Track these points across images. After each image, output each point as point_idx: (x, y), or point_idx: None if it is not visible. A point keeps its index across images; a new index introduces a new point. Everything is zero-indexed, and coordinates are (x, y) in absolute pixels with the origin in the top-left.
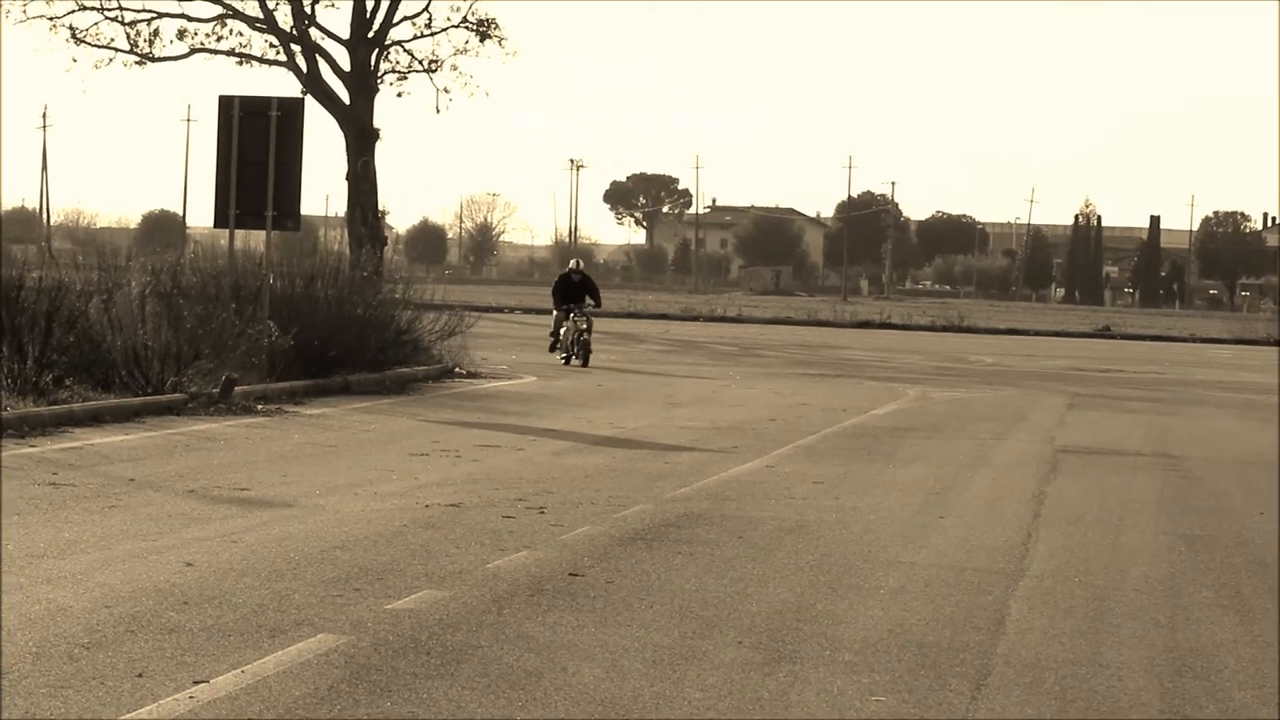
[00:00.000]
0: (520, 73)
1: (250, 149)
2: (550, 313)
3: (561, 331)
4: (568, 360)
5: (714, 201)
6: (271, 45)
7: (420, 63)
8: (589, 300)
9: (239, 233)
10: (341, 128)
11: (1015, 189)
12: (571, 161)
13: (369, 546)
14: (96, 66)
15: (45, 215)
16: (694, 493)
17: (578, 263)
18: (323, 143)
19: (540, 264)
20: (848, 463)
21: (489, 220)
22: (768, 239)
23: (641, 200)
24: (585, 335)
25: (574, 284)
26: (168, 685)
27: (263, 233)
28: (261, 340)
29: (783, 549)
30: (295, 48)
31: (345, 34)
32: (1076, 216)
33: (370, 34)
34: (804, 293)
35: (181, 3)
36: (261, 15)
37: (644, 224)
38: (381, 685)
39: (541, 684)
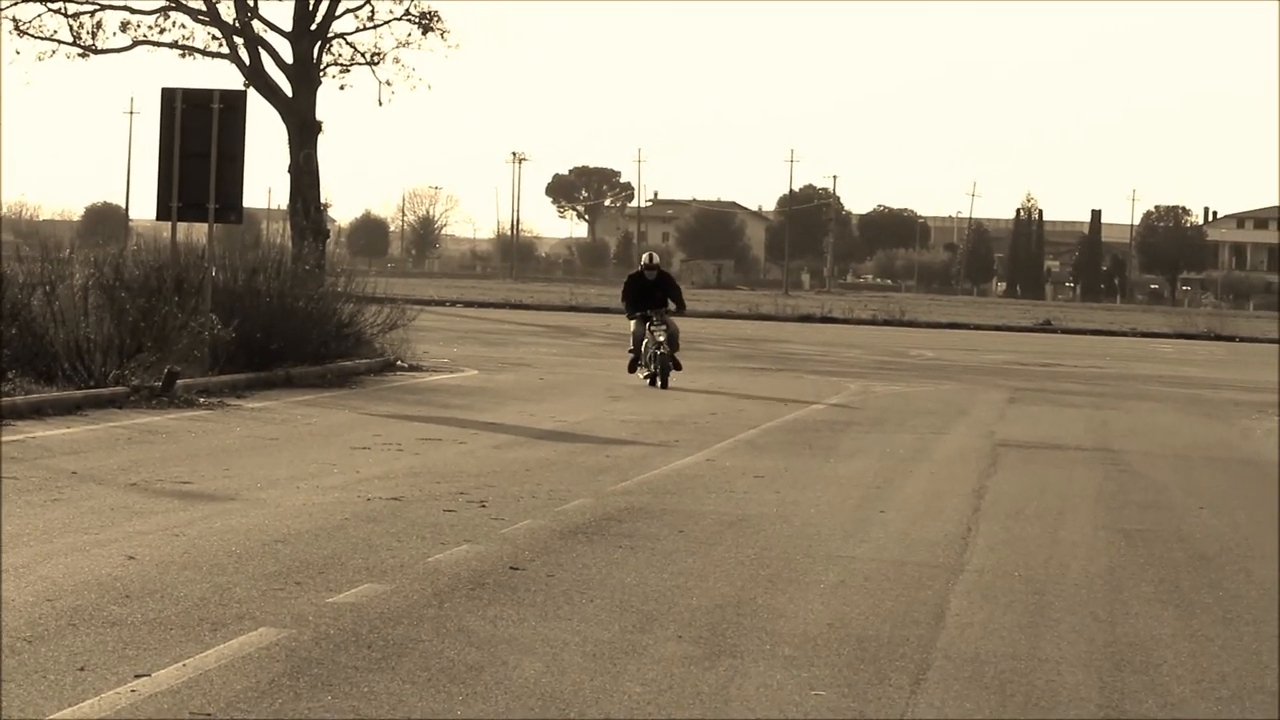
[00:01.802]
0: (463, 66)
1: (193, 142)
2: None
3: (643, 346)
4: (652, 381)
5: (656, 195)
6: (214, 38)
7: (363, 56)
8: (670, 304)
9: (181, 225)
10: (284, 120)
11: (957, 183)
12: (514, 155)
13: (310, 540)
14: (39, 59)
15: None
16: (635, 486)
17: (651, 257)
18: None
19: (482, 257)
20: (788, 457)
21: (431, 213)
22: (709, 232)
23: (583, 193)
24: (664, 349)
25: (648, 284)
26: (109, 679)
27: (205, 225)
28: (204, 333)
29: (723, 543)
30: (238, 40)
31: (288, 27)
32: (1018, 210)
33: (313, 27)
34: (745, 286)
35: None
36: (204, 8)
37: (586, 217)
38: (322, 679)
39: (482, 678)
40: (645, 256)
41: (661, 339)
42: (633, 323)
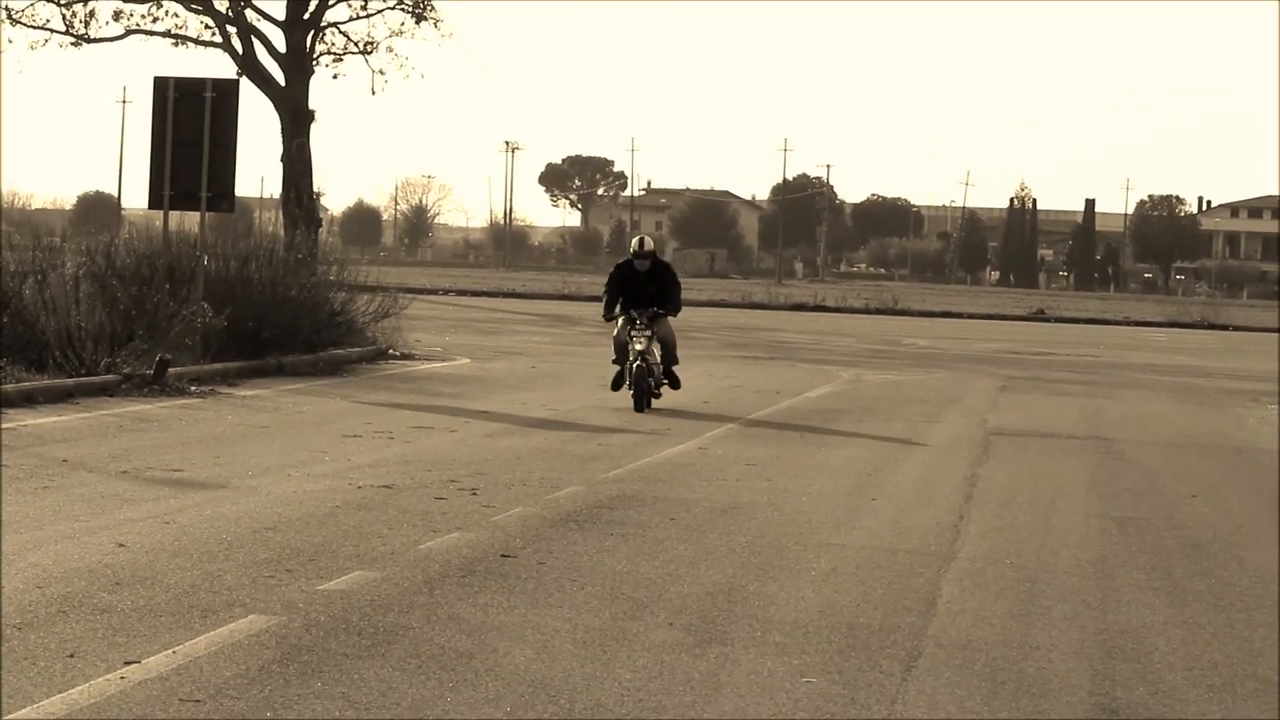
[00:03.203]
0: (456, 54)
1: (185, 130)
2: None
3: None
4: (638, 404)
5: (649, 184)
6: (207, 26)
7: (356, 44)
8: (665, 305)
9: (174, 214)
10: (277, 109)
11: (950, 172)
12: (507, 144)
13: (301, 527)
14: (32, 47)
15: None
16: (626, 474)
17: (643, 242)
18: (258, 124)
19: (475, 246)
20: (780, 445)
21: (424, 202)
22: (703, 221)
23: (577, 182)
24: (649, 360)
25: (638, 276)
26: (99, 665)
27: (197, 214)
28: (195, 321)
29: (714, 531)
30: (231, 29)
31: (281, 16)
32: (1011, 199)
33: (306, 15)
34: (738, 275)
35: None
36: None
37: (579, 206)
38: (313, 666)
39: (472, 665)
40: (635, 242)
41: (641, 347)
42: (616, 325)
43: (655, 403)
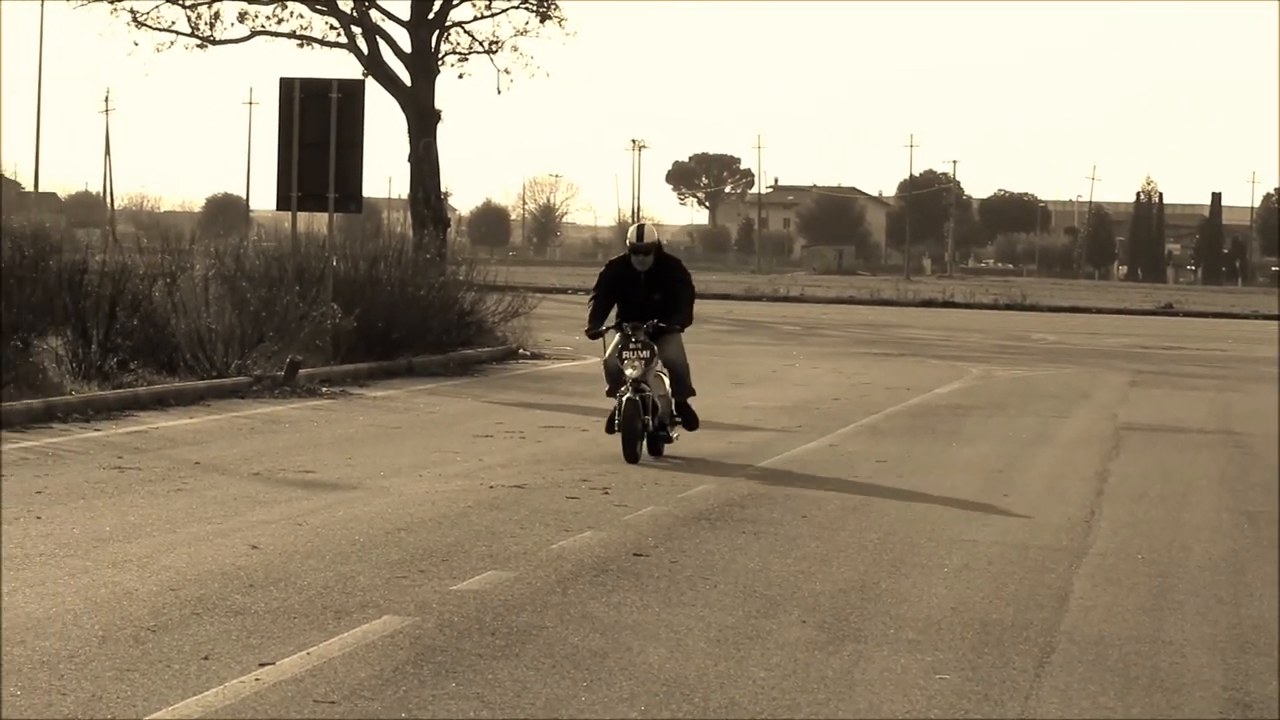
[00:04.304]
0: (581, 53)
1: (312, 131)
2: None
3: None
4: (629, 452)
5: (776, 181)
6: (332, 27)
7: (481, 44)
8: (669, 317)
9: (302, 215)
10: (403, 109)
11: (1077, 167)
12: (633, 142)
13: (434, 528)
14: (158, 50)
15: (109, 199)
16: (758, 472)
17: (641, 232)
18: (384, 124)
19: (604, 244)
20: (911, 441)
21: (552, 201)
22: (830, 218)
23: (704, 180)
24: (646, 392)
25: (636, 278)
26: (233, 667)
27: (325, 215)
28: (325, 323)
29: (846, 528)
30: (356, 29)
31: (406, 15)
32: (1138, 194)
33: (431, 15)
34: (867, 272)
35: None
36: None
37: (706, 204)
38: (446, 666)
39: (606, 664)
40: (633, 231)
41: (635, 372)
42: (608, 342)
43: (784, 396)
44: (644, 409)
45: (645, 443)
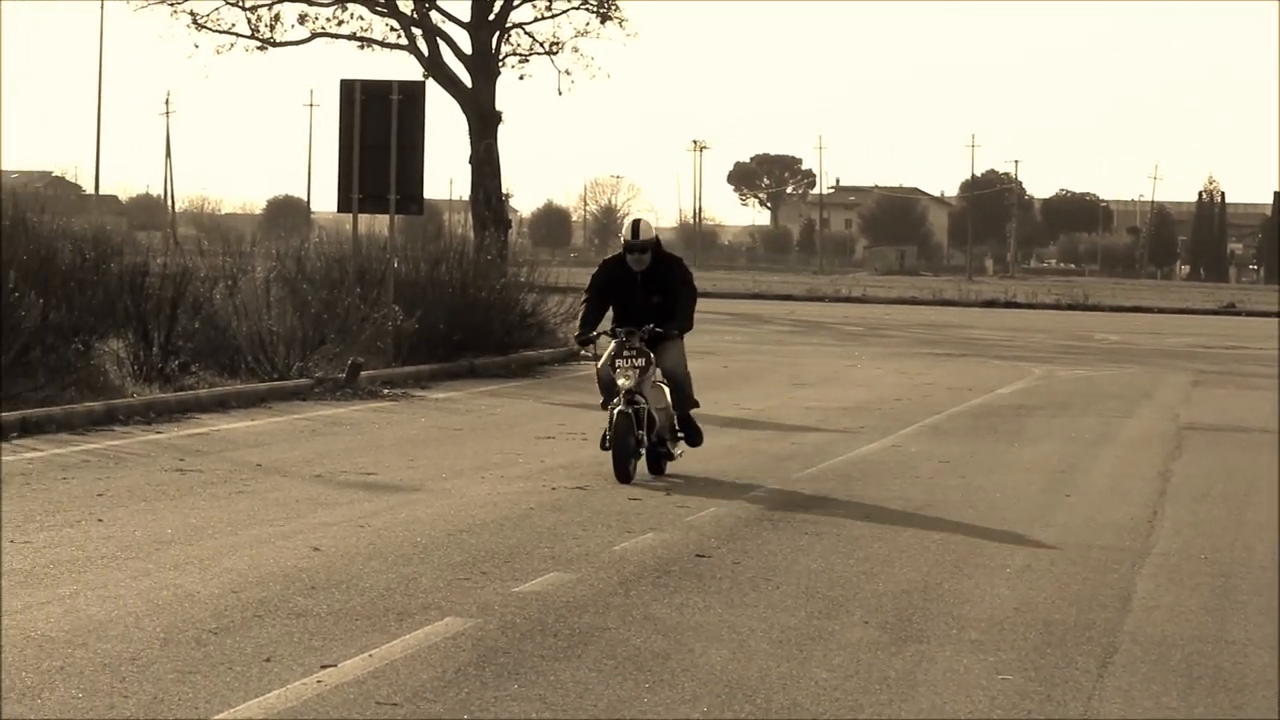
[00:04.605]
0: (641, 54)
1: (372, 133)
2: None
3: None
4: (620, 470)
5: (838, 181)
6: (392, 29)
7: (541, 45)
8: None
9: (363, 217)
10: (463, 111)
11: (1138, 166)
12: (694, 143)
13: (495, 530)
14: (218, 52)
15: (170, 202)
16: (820, 473)
17: (637, 228)
18: (445, 126)
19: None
20: (973, 442)
21: (613, 202)
22: (892, 219)
23: (765, 181)
24: (640, 404)
25: (634, 279)
26: (295, 670)
27: (386, 217)
28: (387, 324)
29: (909, 528)
30: (416, 31)
31: (466, 17)
32: (1200, 193)
33: (491, 16)
34: (929, 272)
35: None
36: (382, 0)
37: (768, 205)
38: (509, 668)
39: (668, 665)
40: (628, 226)
41: (628, 382)
42: (601, 353)
43: (846, 396)
44: (638, 423)
45: (645, 459)
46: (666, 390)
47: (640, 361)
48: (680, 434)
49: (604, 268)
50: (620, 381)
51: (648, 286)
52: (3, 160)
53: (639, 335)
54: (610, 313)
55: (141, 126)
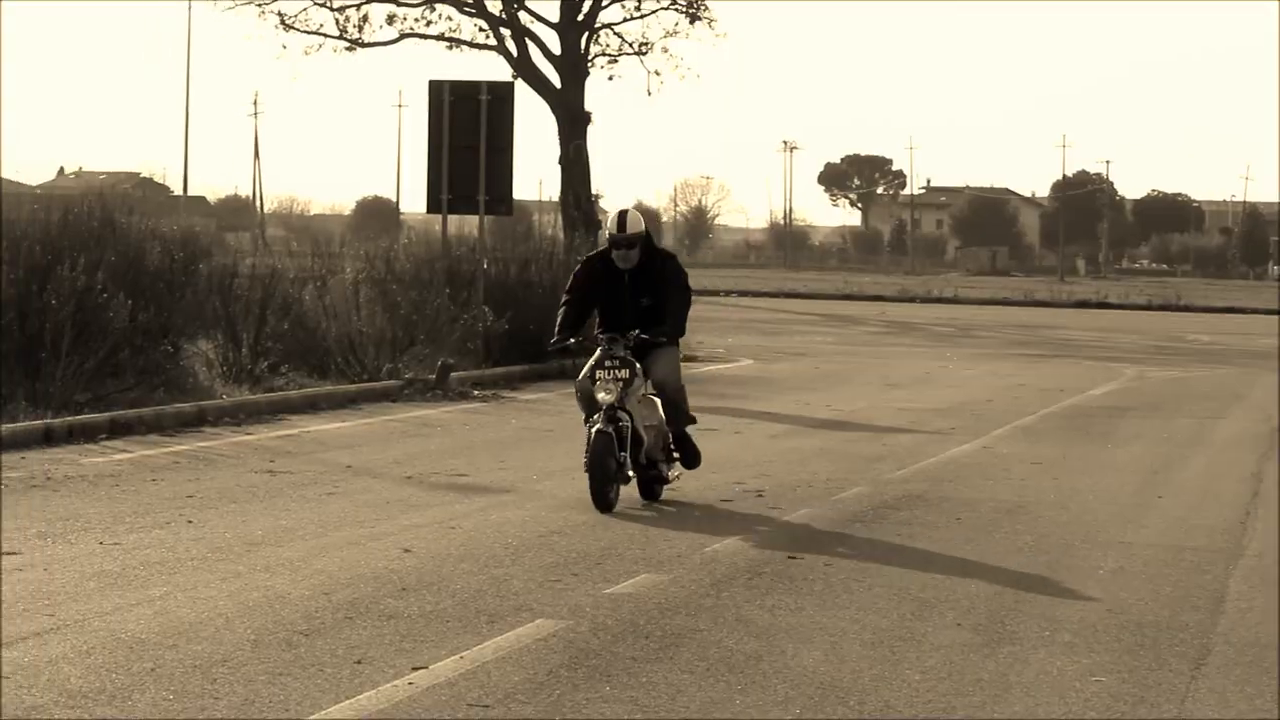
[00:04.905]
0: (731, 54)
1: (461, 134)
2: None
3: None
4: (599, 498)
5: (929, 182)
6: (481, 29)
7: (630, 46)
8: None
9: (453, 218)
10: (553, 111)
11: (1230, 166)
12: (785, 143)
13: (586, 531)
14: (306, 53)
15: (259, 203)
16: (912, 474)
17: (623, 220)
18: (534, 127)
19: (756, 246)
20: (1066, 443)
21: (703, 203)
22: (983, 219)
23: (855, 182)
24: (623, 422)
25: (621, 278)
26: (386, 671)
27: (476, 218)
28: (477, 326)
29: (1001, 530)
30: (505, 31)
31: (555, 17)
32: None
33: (580, 17)
34: (1020, 273)
35: None
36: (470, 0)
37: (859, 206)
38: (600, 669)
39: (760, 667)
40: (613, 219)
41: (609, 396)
42: (588, 364)
43: (938, 398)
44: (619, 443)
45: (637, 484)
46: (659, 404)
47: (623, 373)
48: (676, 454)
49: (587, 265)
50: (600, 396)
51: (636, 287)
52: (3, 159)
53: (623, 343)
54: (597, 318)
55: (229, 127)
